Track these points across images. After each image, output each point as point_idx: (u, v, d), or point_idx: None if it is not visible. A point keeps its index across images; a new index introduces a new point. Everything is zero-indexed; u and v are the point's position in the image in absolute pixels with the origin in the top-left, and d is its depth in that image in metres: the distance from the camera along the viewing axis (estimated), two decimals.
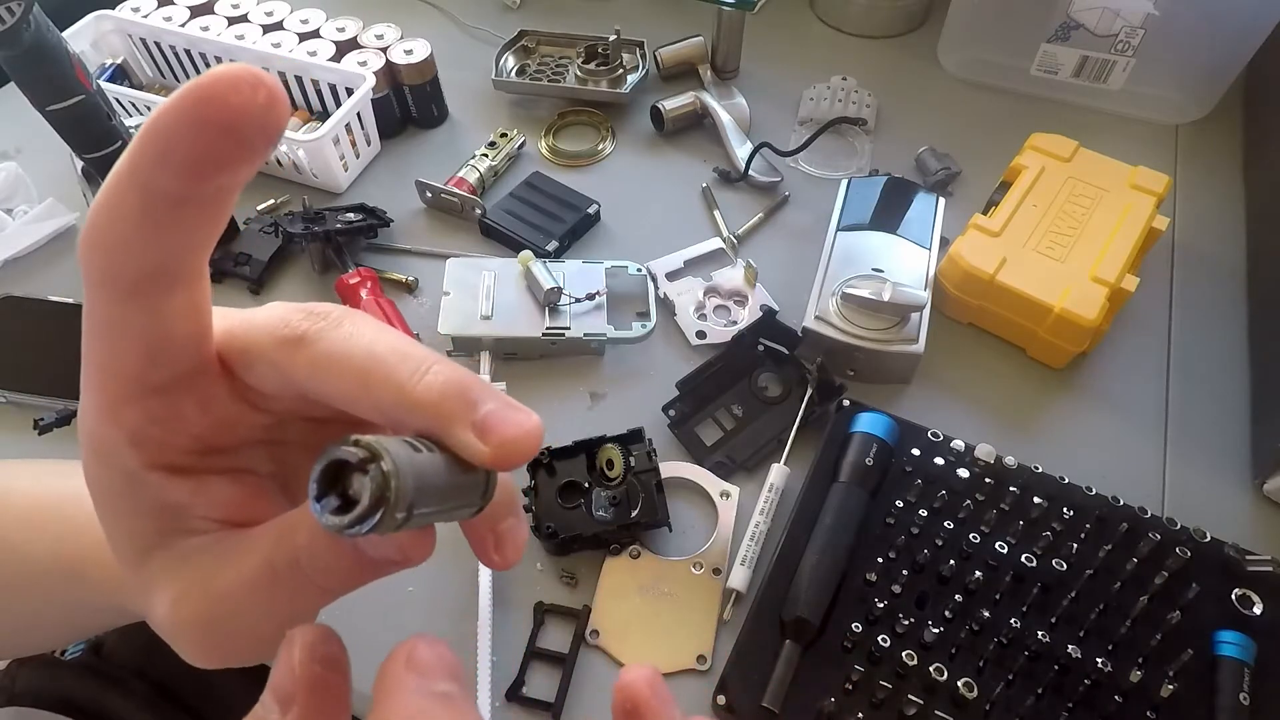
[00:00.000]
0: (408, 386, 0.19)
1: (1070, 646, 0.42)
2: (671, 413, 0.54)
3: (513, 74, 0.78)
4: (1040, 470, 0.49)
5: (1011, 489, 0.47)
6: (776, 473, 0.51)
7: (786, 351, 0.56)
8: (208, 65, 0.73)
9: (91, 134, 0.54)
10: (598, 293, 0.57)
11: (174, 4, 0.75)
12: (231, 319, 0.22)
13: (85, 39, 0.72)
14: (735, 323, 0.59)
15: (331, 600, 0.21)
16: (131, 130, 0.59)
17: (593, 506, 0.48)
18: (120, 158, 0.17)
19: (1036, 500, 0.47)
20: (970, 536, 0.46)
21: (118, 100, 0.68)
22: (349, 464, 0.17)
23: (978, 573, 0.44)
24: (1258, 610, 0.43)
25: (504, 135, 0.71)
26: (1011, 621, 0.42)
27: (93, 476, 0.21)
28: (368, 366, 0.19)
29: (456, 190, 0.66)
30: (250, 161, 0.18)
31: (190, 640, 0.22)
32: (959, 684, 0.41)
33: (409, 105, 0.73)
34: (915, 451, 0.50)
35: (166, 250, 0.18)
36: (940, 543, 0.46)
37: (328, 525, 0.17)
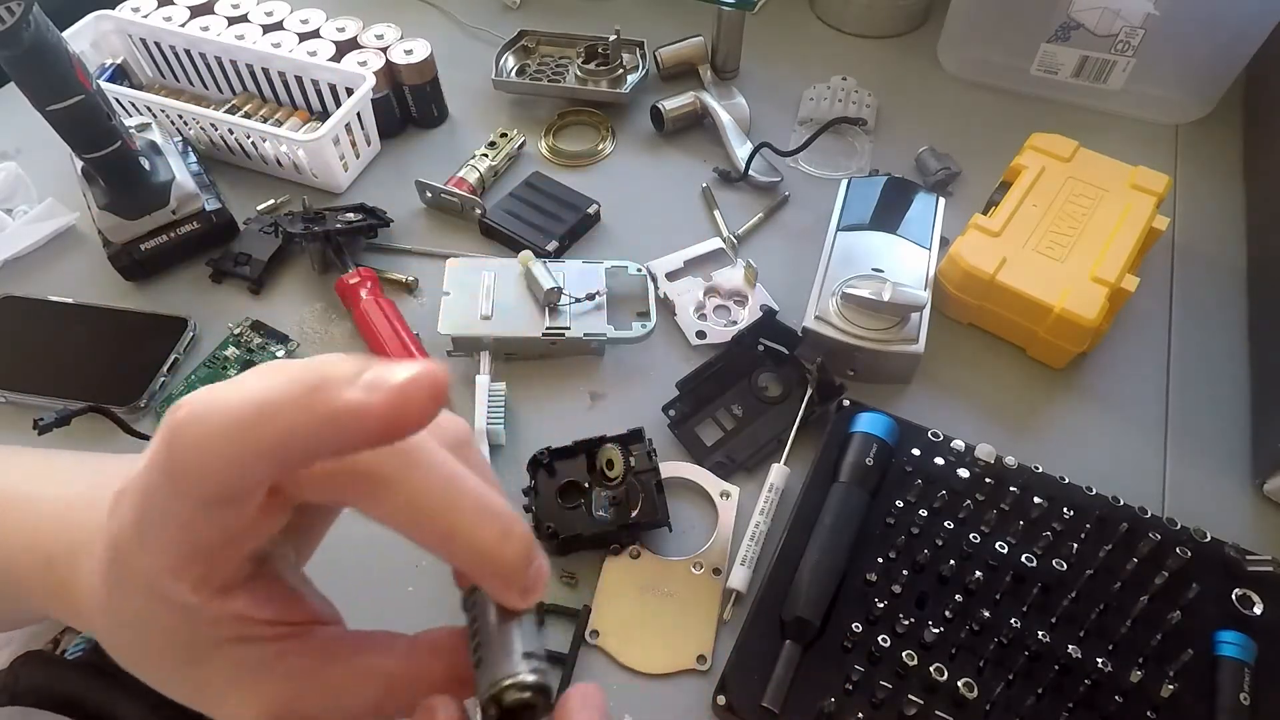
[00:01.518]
0: (494, 554, 0.21)
1: (1070, 646, 0.42)
2: (671, 413, 0.54)
3: (513, 74, 0.78)
4: (1040, 470, 0.49)
5: (1011, 489, 0.47)
6: (776, 473, 0.51)
7: (786, 351, 0.56)
8: (208, 65, 0.73)
9: (91, 134, 0.54)
10: (597, 293, 0.57)
11: (174, 4, 0.75)
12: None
13: (85, 39, 0.72)
14: (735, 323, 0.59)
15: None
16: (131, 130, 0.59)
17: (593, 506, 0.48)
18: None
19: (1036, 500, 0.47)
20: (970, 536, 0.46)
21: (118, 100, 0.68)
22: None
23: (978, 573, 0.44)
24: (1258, 610, 0.43)
25: (504, 135, 0.71)
26: (1012, 621, 0.42)
27: (130, 609, 0.22)
28: (453, 526, 0.21)
29: (456, 190, 0.66)
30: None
31: None
32: (959, 684, 0.41)
33: (409, 105, 0.73)
34: (915, 451, 0.50)
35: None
36: (940, 543, 0.46)
37: None
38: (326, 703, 0.22)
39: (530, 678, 0.21)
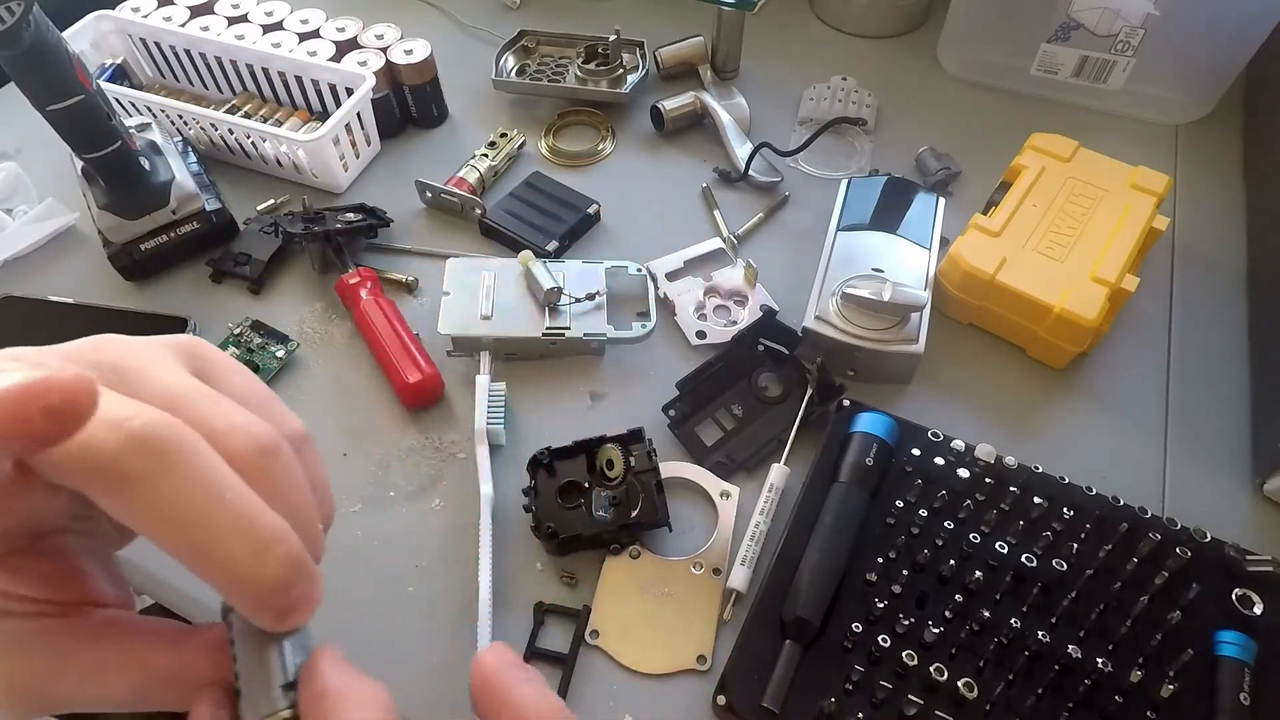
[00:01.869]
0: (242, 573, 0.19)
1: (1070, 646, 0.42)
2: (671, 413, 0.54)
3: (513, 74, 0.78)
4: (1040, 470, 0.49)
5: (1011, 489, 0.47)
6: (776, 473, 0.51)
7: (786, 351, 0.56)
8: (208, 65, 0.73)
9: (91, 134, 0.54)
10: (598, 293, 0.57)
11: (174, 4, 0.75)
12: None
13: (85, 39, 0.72)
14: (735, 323, 0.59)
15: None
16: (131, 130, 0.59)
17: (593, 506, 0.48)
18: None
19: (1036, 500, 0.47)
20: (970, 536, 0.46)
21: (118, 100, 0.68)
22: None
23: (978, 573, 0.44)
24: (1258, 610, 0.43)
25: (504, 135, 0.71)
26: (1012, 621, 0.42)
27: None
28: (203, 540, 0.19)
29: (456, 190, 0.66)
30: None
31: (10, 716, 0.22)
32: (959, 684, 0.41)
33: (409, 105, 0.73)
34: (915, 451, 0.50)
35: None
36: (940, 543, 0.46)
37: None
38: (84, 686, 0.21)
39: (286, 713, 0.20)
